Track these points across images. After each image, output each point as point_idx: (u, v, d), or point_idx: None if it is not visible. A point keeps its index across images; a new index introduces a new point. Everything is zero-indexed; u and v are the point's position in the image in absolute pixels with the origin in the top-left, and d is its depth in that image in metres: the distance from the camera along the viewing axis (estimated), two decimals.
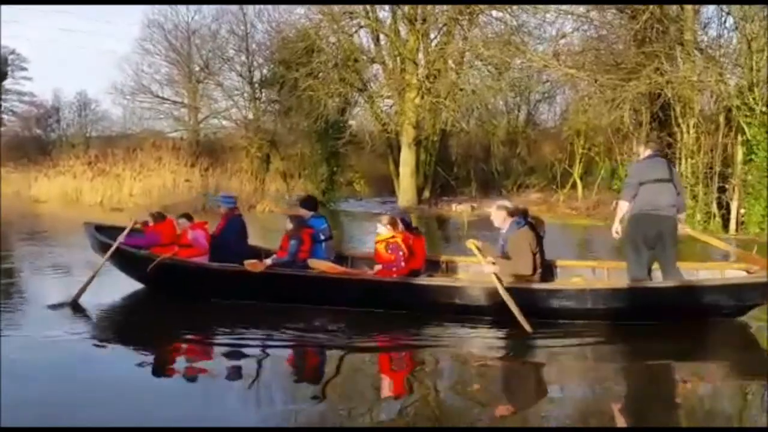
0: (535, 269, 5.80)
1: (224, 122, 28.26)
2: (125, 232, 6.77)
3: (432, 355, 5.00)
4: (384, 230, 6.28)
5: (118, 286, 6.83)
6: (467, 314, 5.68)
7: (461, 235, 15.34)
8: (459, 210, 21.15)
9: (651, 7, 14.68)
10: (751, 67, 13.59)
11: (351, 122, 24.31)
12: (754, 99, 13.41)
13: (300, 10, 22.78)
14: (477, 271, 6.53)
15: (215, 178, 21.38)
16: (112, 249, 6.53)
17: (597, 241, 13.83)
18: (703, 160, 15.00)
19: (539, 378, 4.67)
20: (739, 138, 14.10)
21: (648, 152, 6.05)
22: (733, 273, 6.16)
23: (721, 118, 14.90)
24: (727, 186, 14.60)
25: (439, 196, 24.62)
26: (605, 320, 5.57)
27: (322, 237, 6.75)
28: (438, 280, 6.22)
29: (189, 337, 5.46)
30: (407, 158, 22.83)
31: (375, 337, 5.53)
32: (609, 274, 6.44)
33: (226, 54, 27.56)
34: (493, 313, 5.62)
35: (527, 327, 5.22)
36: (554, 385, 4.45)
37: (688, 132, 15.20)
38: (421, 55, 21.49)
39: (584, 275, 6.42)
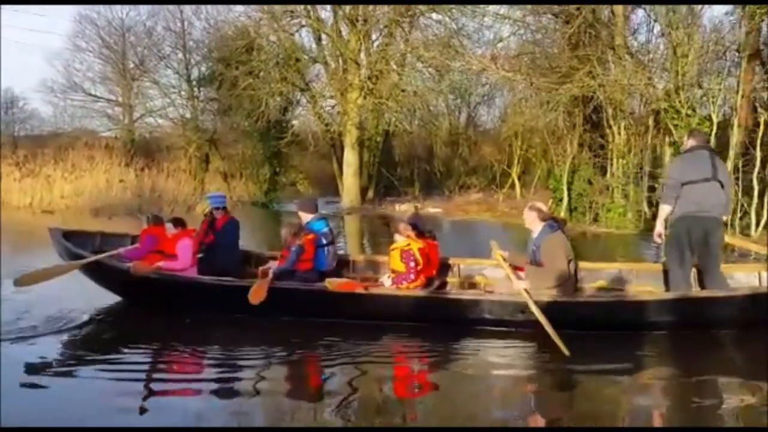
0: (569, 277, 5.38)
1: (161, 121, 27.44)
2: (109, 254, 6.08)
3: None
4: (400, 238, 5.84)
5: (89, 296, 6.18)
6: (498, 327, 5.29)
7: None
8: (402, 210, 21.30)
9: (584, 12, 15.18)
10: (676, 71, 14.21)
11: (293, 122, 24.15)
12: (680, 102, 14.02)
13: (239, 8, 22.46)
14: (494, 276, 6.29)
15: (151, 179, 20.77)
16: (84, 262, 5.85)
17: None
18: (634, 160, 15.65)
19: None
20: (667, 139, 14.72)
21: (691, 142, 5.60)
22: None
23: (650, 120, 15.55)
24: (656, 185, 15.25)
25: (383, 197, 24.74)
26: (654, 330, 5.22)
27: (324, 241, 6.24)
28: (469, 293, 5.84)
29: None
30: (351, 159, 22.82)
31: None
32: (637, 276, 6.12)
33: (163, 51, 26.77)
34: (529, 326, 5.17)
35: (565, 350, 4.63)
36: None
37: (620, 133, 15.81)
38: (363, 56, 21.52)
39: (606, 278, 6.11)
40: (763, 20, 14.26)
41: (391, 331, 5.35)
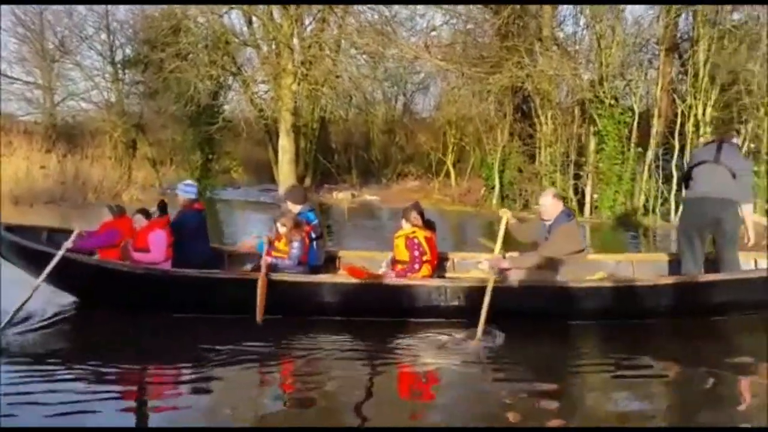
0: (577, 260, 5.32)
1: (84, 105, 26.09)
2: (72, 239, 5.34)
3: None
4: (406, 225, 5.57)
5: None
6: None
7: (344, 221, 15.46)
8: (340, 197, 21.22)
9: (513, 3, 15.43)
10: (601, 63, 14.67)
11: (225, 107, 23.48)
12: (604, 93, 14.49)
13: None
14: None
15: (75, 165, 19.82)
16: (55, 261, 5.11)
17: (468, 226, 14.49)
18: (561, 149, 16.10)
19: None
20: (592, 129, 15.21)
21: (710, 138, 5.84)
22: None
23: (576, 110, 16.02)
24: (581, 173, 15.75)
25: (321, 184, 24.51)
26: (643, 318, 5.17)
27: (313, 235, 5.81)
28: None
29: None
30: (286, 145, 22.39)
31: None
32: (635, 268, 6.08)
33: (85, 32, 25.43)
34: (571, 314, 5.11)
35: (478, 339, 4.63)
36: None
37: (547, 123, 16.22)
38: (296, 41, 21.09)
39: (604, 270, 5.96)
40: (679, 15, 14.89)
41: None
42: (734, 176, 5.27)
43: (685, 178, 5.68)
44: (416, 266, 5.41)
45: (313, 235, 5.81)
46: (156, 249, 5.59)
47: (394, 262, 5.59)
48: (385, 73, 22.37)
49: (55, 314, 5.44)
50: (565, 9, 17.41)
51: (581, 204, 15.63)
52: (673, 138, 14.00)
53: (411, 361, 4.53)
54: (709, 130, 13.39)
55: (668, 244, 11.31)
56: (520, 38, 15.58)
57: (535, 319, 5.04)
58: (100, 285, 5.45)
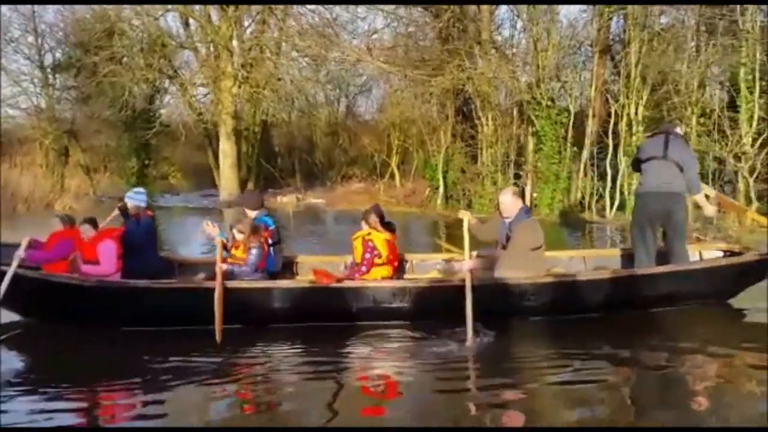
0: (541, 261, 5.39)
1: (11, 111, 24.80)
2: (23, 247, 4.99)
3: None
4: (365, 226, 5.52)
5: None
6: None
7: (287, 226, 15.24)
8: (285, 201, 20.98)
9: (452, 6, 15.66)
10: (537, 65, 15.07)
11: (162, 111, 22.84)
12: (541, 94, 14.89)
13: None
14: (449, 269, 6.04)
15: (3, 174, 18.85)
16: (10, 275, 4.75)
17: (414, 227, 14.59)
18: (501, 149, 16.47)
19: None
20: (530, 129, 15.61)
21: (657, 131, 5.94)
22: (711, 254, 6.05)
23: (515, 112, 16.42)
24: (521, 173, 16.15)
25: (264, 188, 24.17)
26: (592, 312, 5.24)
27: (270, 240, 5.64)
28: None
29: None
30: (227, 149, 22.00)
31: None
32: (587, 264, 6.17)
33: (10, 34, 24.20)
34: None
35: (470, 340, 4.64)
36: None
37: (488, 124, 16.55)
38: (235, 43, 20.75)
39: (560, 266, 6.01)
40: (611, 18, 15.49)
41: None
42: (681, 169, 5.50)
43: (635, 169, 5.94)
44: (363, 268, 5.35)
45: (270, 241, 5.65)
46: (106, 260, 5.32)
47: (354, 264, 5.52)
48: (327, 76, 22.29)
49: None
50: (503, 13, 17.85)
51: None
52: (607, 137, 14.52)
53: (375, 365, 4.48)
54: (641, 128, 13.96)
55: (605, 238, 11.78)
56: (460, 41, 15.84)
57: (492, 317, 5.04)
58: (47, 300, 5.12)
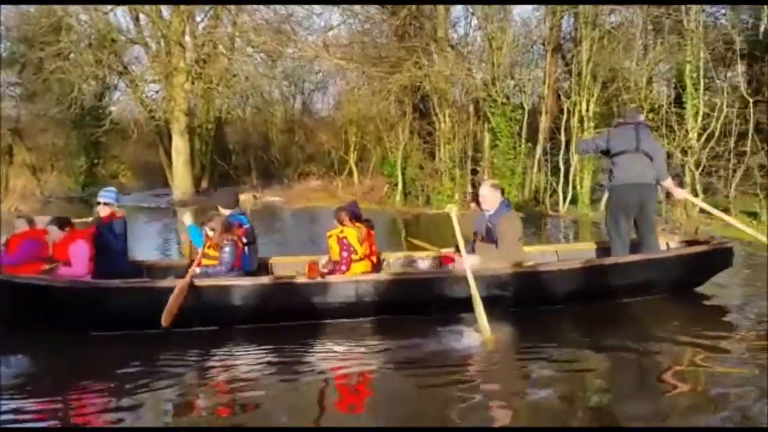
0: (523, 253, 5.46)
1: None
2: None
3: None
4: (336, 224, 5.43)
5: None
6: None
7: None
8: (242, 199, 20.62)
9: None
10: (492, 63, 15.34)
11: (112, 108, 22.22)
12: (496, 91, 15.16)
13: None
14: (426, 266, 6.02)
15: None
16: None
17: (374, 223, 14.59)
18: (458, 146, 16.71)
19: None
20: (486, 126, 15.87)
21: (620, 119, 5.98)
22: (676, 244, 6.18)
23: (471, 109, 16.67)
24: (478, 168, 16.41)
25: (219, 186, 23.79)
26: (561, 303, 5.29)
27: (244, 240, 5.49)
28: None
29: None
30: (180, 147, 21.56)
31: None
32: (560, 258, 6.20)
33: None
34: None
35: (488, 334, 4.56)
36: None
37: (445, 121, 16.76)
38: (188, 38, 20.34)
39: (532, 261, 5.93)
40: (563, 17, 15.89)
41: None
42: (651, 159, 5.68)
43: (581, 152, 6.09)
44: (343, 267, 5.27)
45: (245, 240, 5.50)
46: (78, 262, 5.08)
47: (332, 263, 5.43)
48: (282, 72, 22.10)
49: None
50: (458, 10, 18.07)
51: (478, 198, 16.26)
52: (560, 133, 14.90)
53: (354, 362, 4.40)
54: (592, 125, 14.38)
55: (559, 232, 12.10)
56: (416, 39, 15.97)
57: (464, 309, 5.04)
58: (12, 303, 4.81)
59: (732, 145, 12.04)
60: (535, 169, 15.47)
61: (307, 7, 18.66)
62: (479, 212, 5.75)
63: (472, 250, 5.71)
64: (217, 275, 5.08)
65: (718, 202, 11.47)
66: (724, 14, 14.17)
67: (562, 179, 14.78)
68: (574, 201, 14.57)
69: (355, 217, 5.50)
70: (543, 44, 16.38)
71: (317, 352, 4.59)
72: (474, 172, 16.53)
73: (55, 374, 4.22)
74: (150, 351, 4.52)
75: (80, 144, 21.49)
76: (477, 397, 3.68)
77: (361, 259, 5.36)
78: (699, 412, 3.42)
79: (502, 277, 5.21)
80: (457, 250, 5.61)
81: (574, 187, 14.57)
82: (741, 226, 6.38)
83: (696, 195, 12.01)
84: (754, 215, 11.02)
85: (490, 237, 5.55)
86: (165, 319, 4.54)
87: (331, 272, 5.27)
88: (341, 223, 5.43)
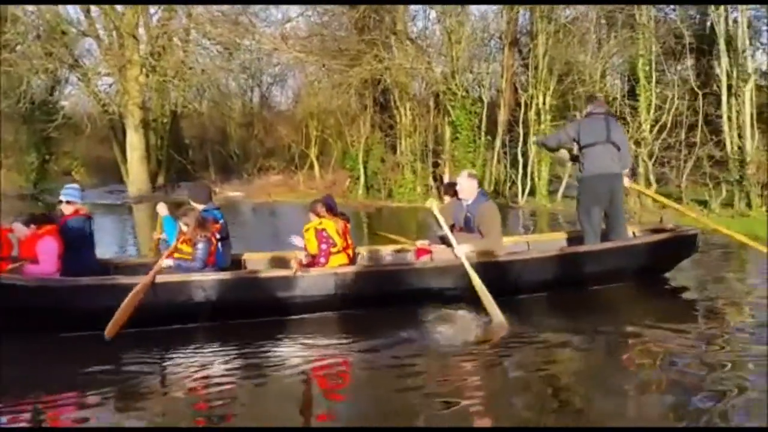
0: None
1: None
2: None
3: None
4: (313, 217, 5.33)
5: None
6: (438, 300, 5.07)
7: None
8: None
9: None
10: (452, 57, 15.47)
11: (64, 103, 21.51)
12: (456, 85, 15.32)
13: None
14: (399, 259, 5.95)
15: None
16: None
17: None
18: (420, 139, 16.82)
19: None
20: (447, 119, 16.02)
21: (589, 108, 6.02)
22: (642, 233, 6.31)
23: (431, 102, 16.79)
24: (439, 161, 16.56)
25: (176, 182, 23.35)
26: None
27: (218, 235, 5.35)
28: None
29: None
30: (135, 142, 21.06)
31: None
32: (531, 248, 6.29)
33: None
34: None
35: (502, 319, 4.62)
36: None
37: (406, 114, 16.84)
38: (142, 30, 19.84)
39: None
40: (519, 12, 16.12)
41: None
42: (619, 149, 5.84)
43: (550, 147, 6.23)
44: (322, 259, 5.22)
45: (218, 236, 5.37)
46: (46, 259, 4.89)
47: (310, 256, 5.34)
48: (240, 65, 21.77)
49: None
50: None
51: (440, 191, 16.42)
52: (518, 126, 15.16)
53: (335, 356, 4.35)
54: (548, 117, 14.67)
55: (518, 223, 12.33)
56: (376, 32, 15.97)
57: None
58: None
59: (683, 136, 12.47)
60: (495, 161, 15.71)
61: None
62: (455, 203, 5.79)
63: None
64: (190, 271, 4.95)
65: (670, 191, 11.91)
66: (674, 10, 14.63)
67: (520, 171, 15.05)
68: (532, 192, 14.87)
69: (331, 209, 5.43)
70: (500, 38, 16.61)
71: (296, 347, 4.52)
72: (435, 165, 16.67)
73: (21, 378, 4.03)
74: (122, 351, 4.38)
75: (31, 140, 20.76)
76: (464, 388, 3.71)
77: (339, 252, 5.29)
78: (654, 385, 3.60)
79: (486, 266, 5.22)
80: (443, 241, 5.70)
81: (532, 179, 14.86)
82: (693, 214, 6.66)
83: (649, 185, 12.42)
84: (704, 204, 11.47)
85: (468, 227, 5.59)
86: (110, 330, 4.23)
87: (309, 265, 5.18)
88: (318, 215, 5.36)
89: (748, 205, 11.21)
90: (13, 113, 20.08)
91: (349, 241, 5.48)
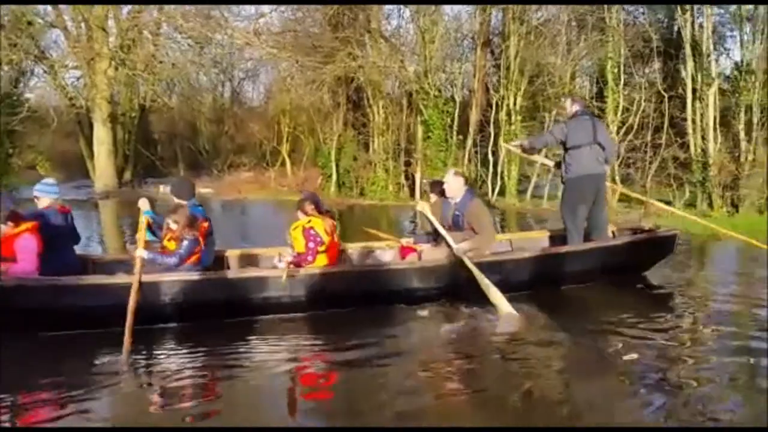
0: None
1: None
2: None
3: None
4: (301, 215, 5.26)
5: None
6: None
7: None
8: (167, 191, 20.03)
9: None
10: (425, 56, 15.55)
11: (28, 95, 20.95)
12: (428, 84, 15.40)
13: None
14: (386, 258, 5.96)
15: None
16: None
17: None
18: (392, 137, 16.87)
19: None
20: (419, 118, 16.10)
21: (575, 108, 6.07)
22: (621, 232, 6.43)
23: (404, 101, 16.86)
24: (411, 160, 16.64)
25: (143, 178, 22.97)
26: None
27: (205, 234, 5.24)
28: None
29: None
30: (102, 136, 20.63)
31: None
32: (514, 246, 6.35)
33: None
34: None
35: (511, 310, 4.78)
36: None
37: (379, 113, 16.88)
38: (111, 23, 19.46)
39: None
40: (492, 13, 16.29)
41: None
42: (604, 149, 6.00)
43: (547, 139, 6.31)
44: (309, 258, 5.15)
45: (205, 234, 5.29)
46: (26, 258, 4.75)
47: (296, 254, 5.27)
48: (212, 60, 21.51)
49: None
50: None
51: (412, 189, 16.53)
52: (489, 126, 15.32)
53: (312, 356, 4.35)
54: (519, 118, 14.87)
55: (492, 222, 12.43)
56: (350, 29, 15.95)
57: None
58: None
59: (649, 138, 12.78)
60: (466, 160, 15.85)
61: None
62: (442, 202, 5.81)
63: (434, 241, 5.82)
64: (166, 265, 4.85)
65: (635, 191, 12.18)
66: (643, 13, 14.97)
67: (491, 171, 15.21)
68: (502, 192, 15.04)
69: (318, 207, 5.38)
70: (473, 38, 16.75)
71: (283, 346, 4.50)
72: (407, 163, 16.74)
73: None
74: (103, 350, 4.29)
75: None
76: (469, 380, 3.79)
77: (325, 251, 5.25)
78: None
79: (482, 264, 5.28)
80: (433, 238, 5.80)
81: (502, 179, 15.03)
82: (680, 213, 6.85)
83: (615, 185, 12.70)
84: (668, 204, 11.77)
85: (457, 225, 5.62)
86: (127, 344, 4.19)
87: (295, 264, 5.13)
88: (306, 213, 5.30)
89: (710, 205, 11.55)
90: None
91: (336, 239, 5.45)
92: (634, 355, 4.05)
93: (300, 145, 20.83)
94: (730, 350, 4.20)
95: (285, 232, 5.59)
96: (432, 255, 5.58)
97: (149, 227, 5.22)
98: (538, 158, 7.47)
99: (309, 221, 5.23)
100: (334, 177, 17.54)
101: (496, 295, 4.93)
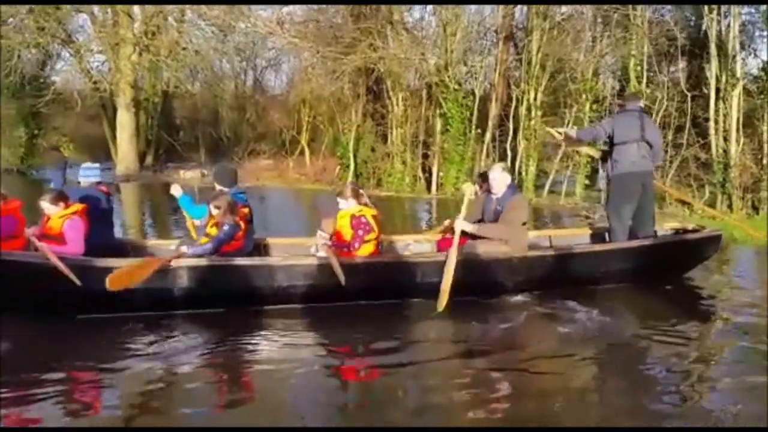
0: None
1: None
2: None
3: None
4: (346, 203, 5.23)
5: None
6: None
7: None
8: (188, 177, 20.29)
9: None
10: (446, 48, 15.50)
11: (54, 78, 21.34)
12: (449, 77, 15.36)
13: None
14: (420, 250, 5.92)
15: None
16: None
17: (331, 204, 14.59)
18: (411, 129, 16.87)
19: None
20: (438, 111, 16.08)
21: (626, 105, 6.02)
22: (664, 231, 6.30)
23: (424, 93, 16.82)
24: (429, 153, 16.63)
25: (165, 162, 23.28)
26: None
27: (247, 219, 5.29)
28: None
29: None
30: (125, 121, 20.97)
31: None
32: (552, 242, 6.23)
33: None
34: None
35: (441, 306, 4.73)
36: None
37: (398, 105, 16.87)
38: (137, 9, 19.68)
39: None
40: (515, 6, 16.15)
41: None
42: (652, 147, 5.92)
43: (609, 143, 6.16)
44: (356, 245, 5.14)
45: (247, 219, 5.33)
46: (75, 239, 4.76)
47: (336, 243, 5.28)
48: (235, 48, 21.68)
49: None
50: None
51: (429, 181, 16.54)
52: (508, 121, 15.23)
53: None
54: (539, 113, 14.76)
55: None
56: (372, 20, 15.94)
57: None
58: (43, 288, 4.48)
59: (670, 137, 12.62)
60: (484, 155, 15.79)
61: None
62: (486, 197, 5.73)
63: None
64: (204, 253, 4.89)
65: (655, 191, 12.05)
66: (669, 11, 14.72)
67: (509, 166, 15.11)
68: (519, 187, 14.92)
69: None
70: (496, 32, 16.63)
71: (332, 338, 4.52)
72: (425, 156, 16.74)
73: (38, 359, 3.97)
74: (130, 336, 4.35)
75: (20, 114, 20.56)
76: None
77: (371, 240, 5.24)
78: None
79: (519, 261, 5.28)
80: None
81: (520, 174, 14.96)
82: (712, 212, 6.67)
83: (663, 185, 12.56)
84: (688, 205, 11.64)
85: (493, 219, 5.56)
86: (114, 282, 4.23)
87: (339, 252, 5.11)
88: (360, 202, 5.31)
89: (730, 207, 11.40)
90: (4, 87, 19.92)
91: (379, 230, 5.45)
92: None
93: (319, 135, 20.93)
94: (745, 353, 4.19)
95: (322, 221, 5.60)
96: (480, 248, 5.48)
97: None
98: (585, 148, 7.19)
99: (360, 210, 5.23)
100: (352, 167, 17.60)
101: (446, 284, 4.80)
